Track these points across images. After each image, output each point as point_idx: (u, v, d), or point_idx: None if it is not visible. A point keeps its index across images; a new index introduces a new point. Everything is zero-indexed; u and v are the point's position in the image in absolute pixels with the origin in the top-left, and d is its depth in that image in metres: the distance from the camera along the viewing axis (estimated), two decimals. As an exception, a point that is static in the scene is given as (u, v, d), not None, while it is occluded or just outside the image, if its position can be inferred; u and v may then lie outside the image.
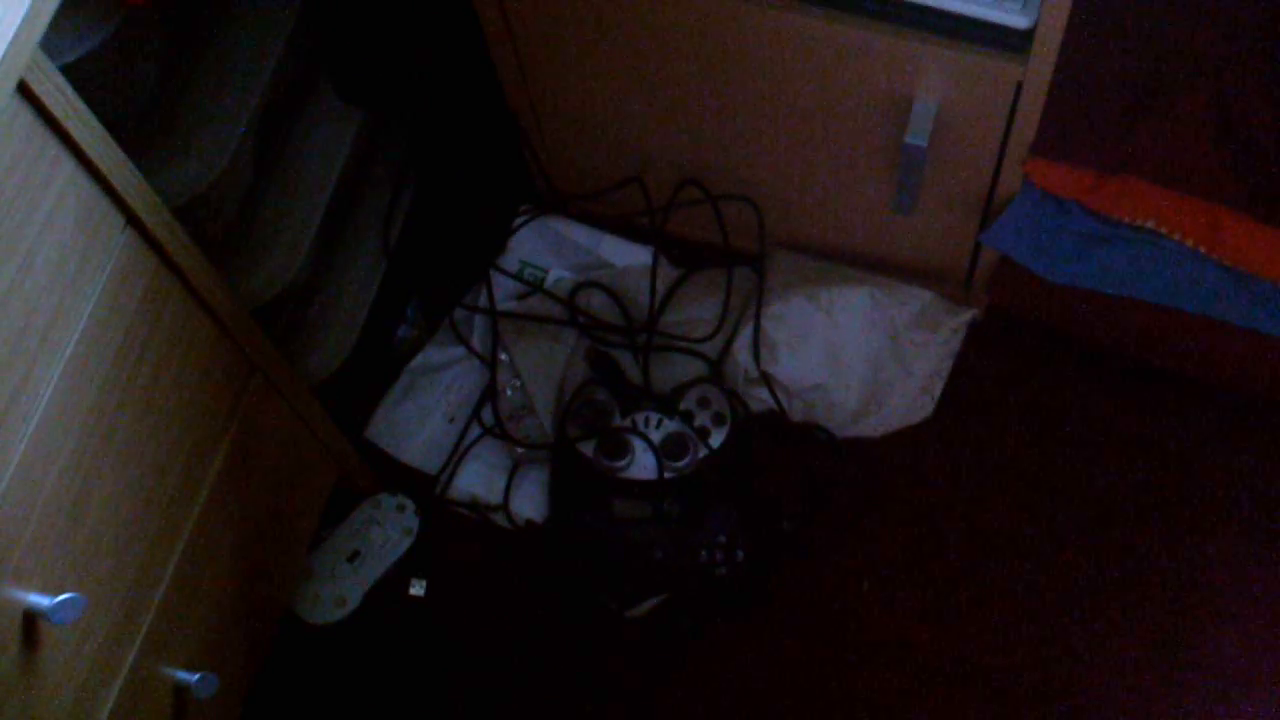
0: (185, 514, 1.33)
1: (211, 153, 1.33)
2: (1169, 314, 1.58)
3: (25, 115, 0.99)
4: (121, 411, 1.18)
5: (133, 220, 1.13)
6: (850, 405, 1.75)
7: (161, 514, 1.28)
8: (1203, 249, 1.50)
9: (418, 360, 1.84)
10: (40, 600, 1.09)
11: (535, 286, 1.83)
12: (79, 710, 1.20)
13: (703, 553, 1.67)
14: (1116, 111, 1.47)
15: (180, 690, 1.37)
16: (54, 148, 1.02)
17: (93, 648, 1.21)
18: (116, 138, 1.09)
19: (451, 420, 1.81)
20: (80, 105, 1.03)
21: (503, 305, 1.82)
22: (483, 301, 1.83)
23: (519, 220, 1.87)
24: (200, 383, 1.30)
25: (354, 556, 1.73)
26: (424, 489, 1.78)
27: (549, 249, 1.86)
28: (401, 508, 1.76)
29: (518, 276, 1.84)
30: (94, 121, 1.05)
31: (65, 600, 1.09)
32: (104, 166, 1.07)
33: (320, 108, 1.56)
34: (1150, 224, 1.50)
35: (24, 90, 0.97)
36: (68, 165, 1.04)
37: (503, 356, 1.79)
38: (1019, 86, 1.39)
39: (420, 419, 1.81)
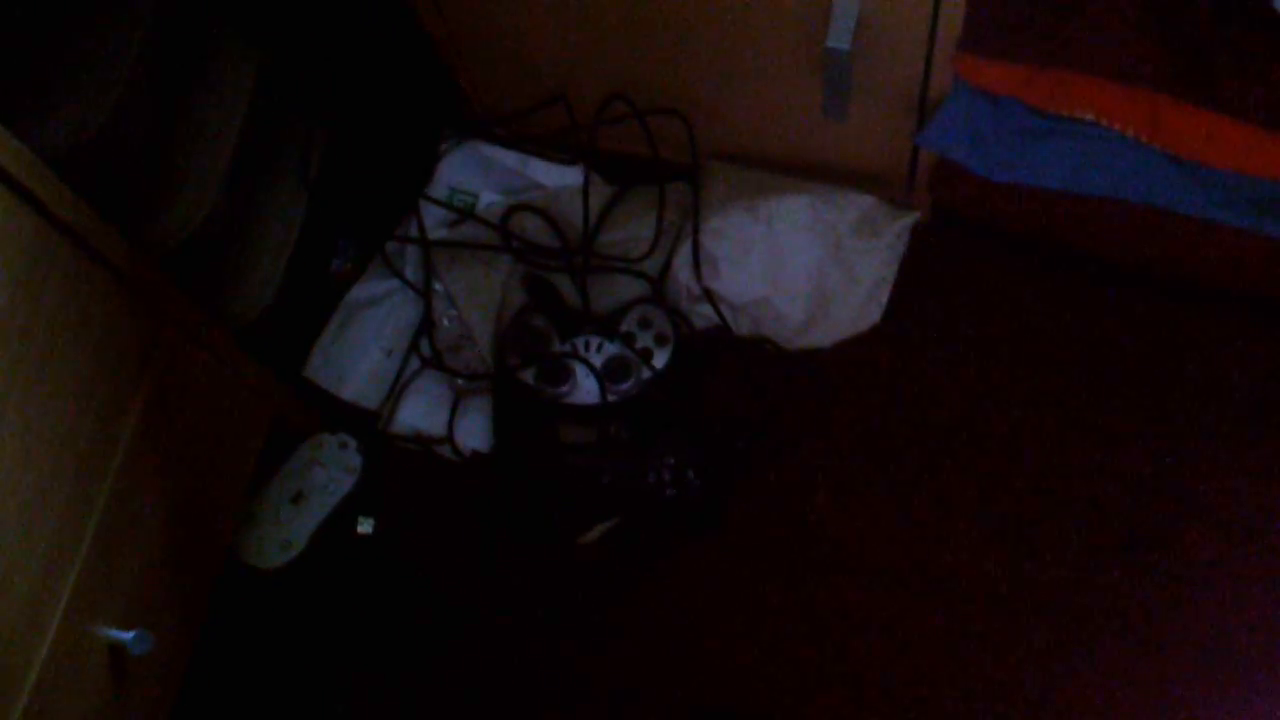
0: (101, 472, 1.30)
1: (95, 98, 1.27)
2: (1113, 205, 1.54)
3: None
4: (14, 379, 1.14)
5: (4, 178, 1.09)
6: (797, 316, 1.71)
7: (74, 475, 1.25)
8: (1143, 137, 1.46)
9: (353, 294, 1.80)
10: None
11: (465, 213, 1.79)
12: (2, 679, 1.18)
13: (651, 475, 1.64)
14: (1047, 3, 1.41)
15: (116, 649, 1.35)
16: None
17: (9, 619, 1.18)
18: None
19: (390, 354, 1.77)
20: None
21: (434, 234, 1.78)
22: (414, 231, 1.78)
23: (444, 146, 1.82)
24: (104, 340, 1.26)
25: (297, 498, 1.70)
26: (366, 425, 1.75)
27: (477, 174, 1.81)
28: (344, 445, 1.73)
29: (447, 204, 1.80)
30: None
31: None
32: (-41, 124, 1.02)
33: (223, 41, 1.50)
34: (1089, 115, 1.47)
35: None
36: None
37: (437, 287, 1.75)
38: (938, -19, 1.34)
39: (358, 354, 1.78)
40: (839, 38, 1.39)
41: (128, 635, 1.33)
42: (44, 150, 1.14)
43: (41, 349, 1.17)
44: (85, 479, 1.27)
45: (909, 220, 1.72)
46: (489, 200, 1.80)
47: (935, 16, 1.40)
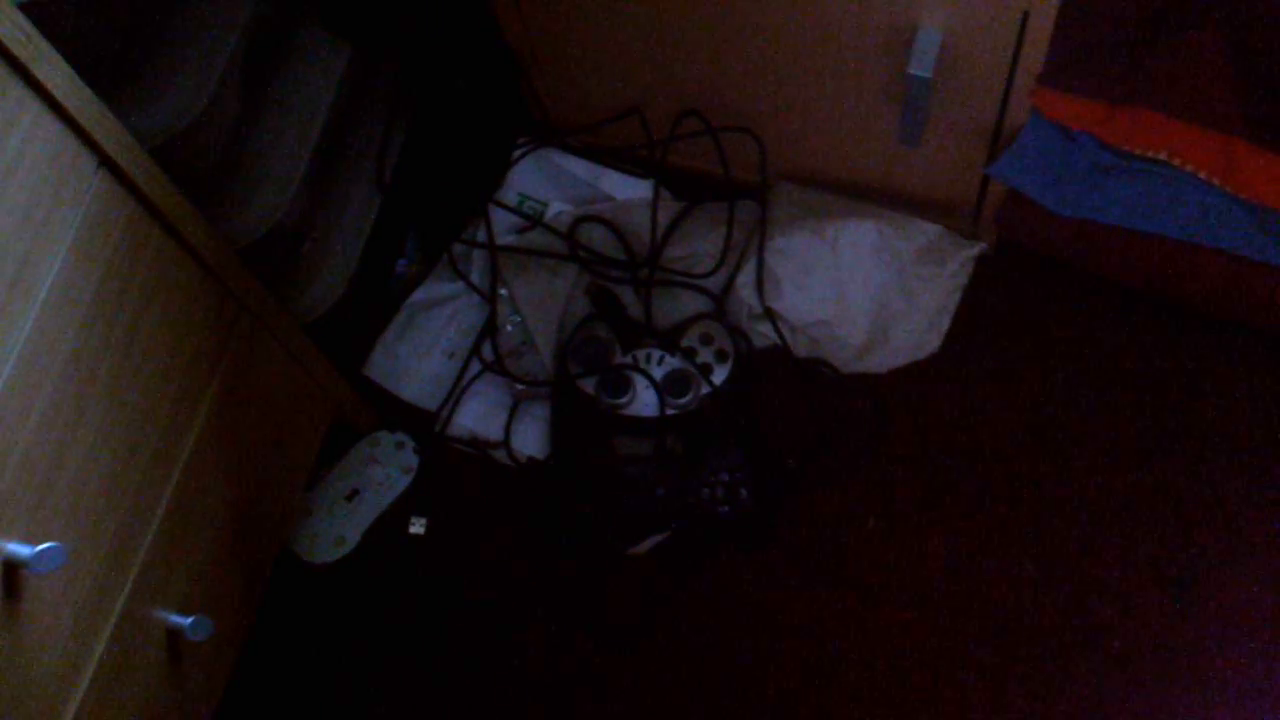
0: (174, 457, 1.31)
1: (191, 91, 1.29)
2: (1180, 247, 1.55)
3: (-15, 56, 0.96)
4: (102, 356, 1.16)
5: (106, 162, 1.11)
6: (856, 341, 1.72)
7: (148, 458, 1.26)
8: (1215, 181, 1.47)
9: (416, 295, 1.82)
10: (20, 550, 1.08)
11: (534, 220, 1.80)
12: (67, 658, 1.19)
13: (705, 491, 1.65)
14: (1128, 42, 1.42)
15: (174, 634, 1.36)
16: (17, 89, 0.99)
17: (79, 595, 1.19)
18: (89, 78, 1.06)
19: (451, 356, 1.78)
20: (44, 45, 1.00)
21: (502, 239, 1.79)
22: (481, 236, 1.80)
23: (517, 153, 1.83)
24: (185, 325, 1.28)
25: (353, 495, 1.71)
26: (423, 426, 1.76)
27: (548, 182, 1.82)
28: (401, 445, 1.74)
29: (516, 210, 1.81)
30: (60, 61, 1.02)
31: (46, 550, 1.07)
32: (72, 107, 1.04)
33: (308, 41, 1.52)
34: (1162, 155, 1.47)
35: (-18, 32, 0.94)
36: (33, 107, 1.01)
37: (502, 292, 1.77)
38: (1025, 15, 1.35)
39: (419, 355, 1.79)
40: (921, 65, 1.40)
41: (187, 621, 1.34)
42: (143, 137, 1.16)
43: (128, 329, 1.18)
44: (159, 462, 1.28)
45: (974, 251, 1.72)
46: (558, 209, 1.81)
47: (1018, 49, 1.40)
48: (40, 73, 1.00)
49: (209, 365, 1.34)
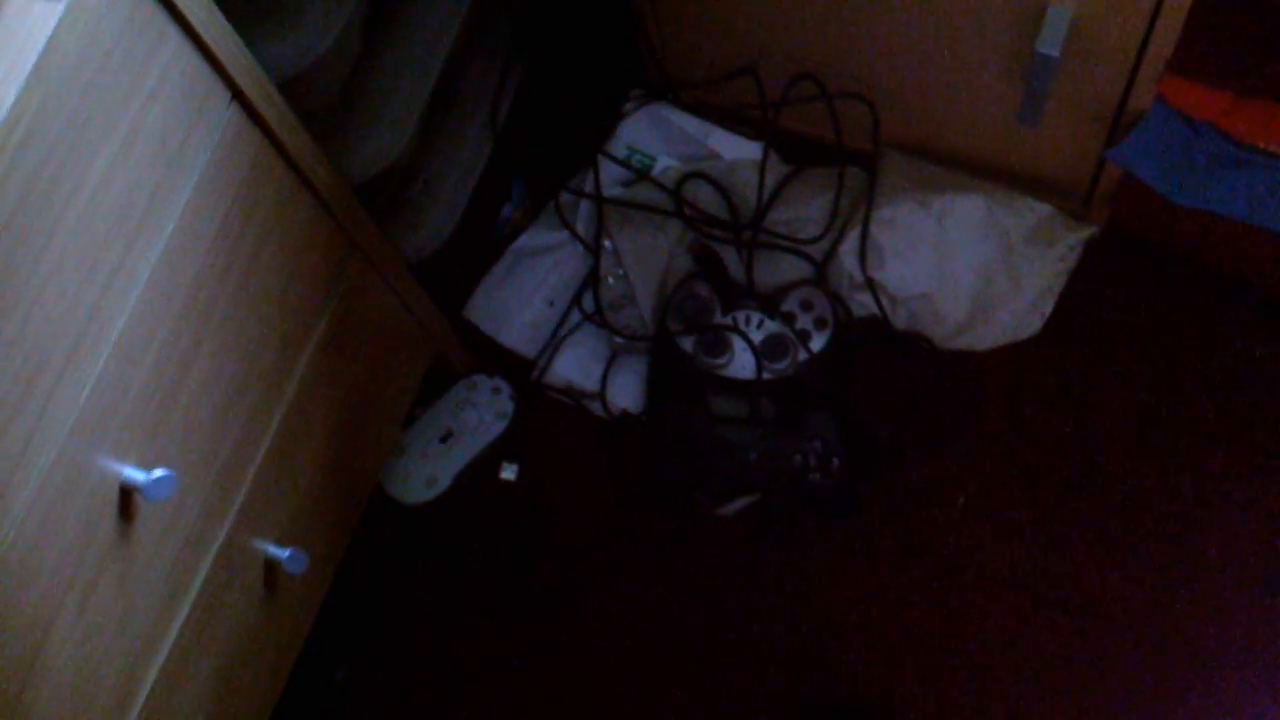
0: (282, 390, 1.33)
1: (319, 28, 1.30)
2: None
3: (131, -16, 0.97)
4: (221, 288, 1.17)
5: (238, 95, 1.11)
6: (956, 316, 1.71)
7: (258, 390, 1.28)
8: (1340, 179, 1.44)
9: (521, 242, 1.82)
10: (136, 475, 1.10)
11: (642, 174, 1.80)
12: (172, 582, 1.22)
13: (797, 457, 1.65)
14: (1261, 34, 1.40)
15: (271, 565, 1.38)
16: (160, 19, 1.00)
17: (186, 521, 1.21)
18: (223, 9, 1.07)
19: (551, 305, 1.79)
20: (185, -29, 1.00)
21: (609, 191, 1.79)
22: (589, 187, 1.80)
23: (629, 105, 1.83)
24: (300, 260, 1.29)
25: (447, 436, 1.73)
26: (521, 373, 1.77)
27: (658, 137, 1.82)
28: (497, 390, 1.75)
29: (625, 163, 1.81)
30: (200, -10, 1.03)
31: (160, 478, 1.10)
32: (210, 40, 1.05)
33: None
34: (1287, 150, 1.45)
35: (130, -39, 0.95)
36: (174, 37, 1.02)
37: (606, 244, 1.77)
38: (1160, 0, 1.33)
39: (520, 302, 1.80)
40: (1050, 44, 1.38)
41: (285, 553, 1.36)
42: (272, 72, 1.17)
43: (248, 259, 1.20)
44: (270, 392, 1.30)
45: (1084, 234, 1.70)
46: (666, 164, 1.81)
47: (1149, 33, 1.38)
48: (182, 3, 1.01)
49: (320, 301, 1.35)
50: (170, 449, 1.16)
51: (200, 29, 1.04)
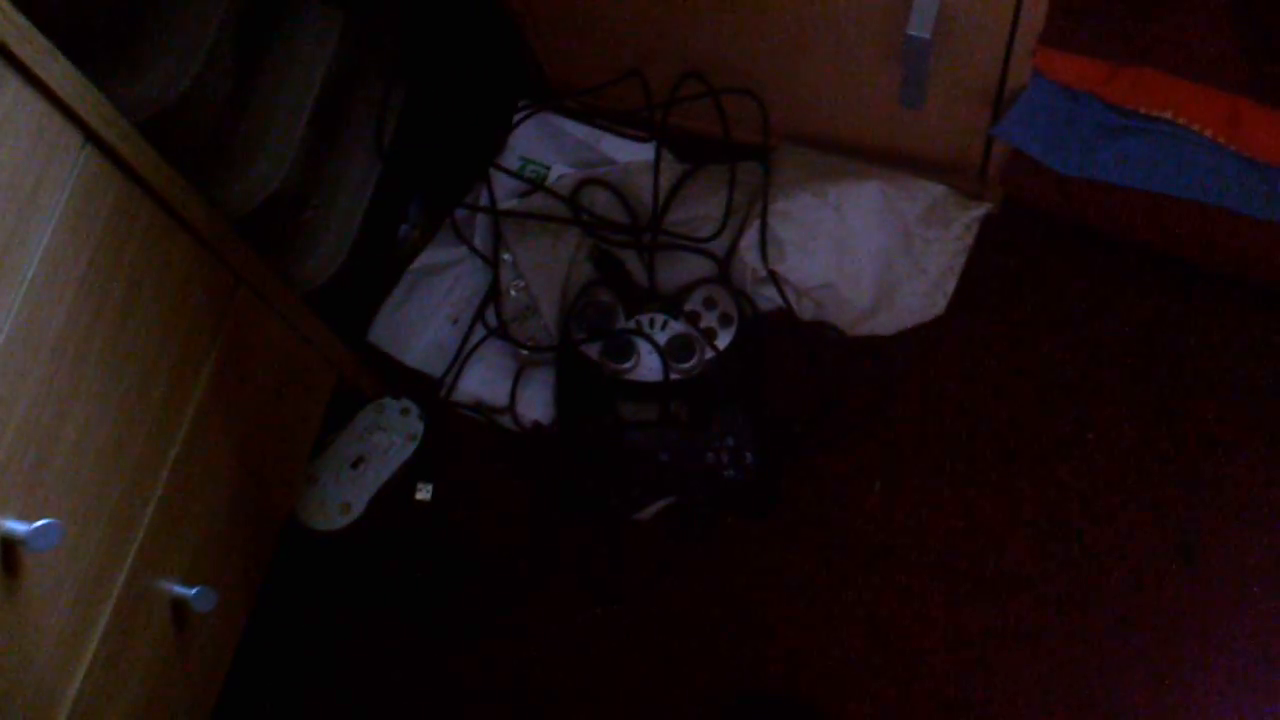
0: (173, 429, 1.31)
1: (180, 64, 1.28)
2: (1185, 206, 1.53)
3: (-42, 36, 0.95)
4: (94, 333, 1.16)
5: (92, 137, 1.10)
6: (861, 303, 1.71)
7: (148, 431, 1.27)
8: (1221, 140, 1.45)
9: (419, 261, 1.81)
10: (17, 527, 1.08)
11: (537, 184, 1.79)
12: (70, 632, 1.20)
13: (710, 455, 1.64)
14: (1131, 1, 1.40)
15: (179, 605, 1.36)
16: (-5, 67, 0.99)
17: (80, 569, 1.20)
18: (73, 53, 1.06)
19: (455, 322, 1.78)
20: (19, 19, 0.99)
21: (504, 204, 1.79)
22: (483, 200, 1.79)
23: (518, 116, 1.82)
24: (181, 298, 1.28)
25: (358, 462, 1.72)
26: (428, 392, 1.76)
27: (550, 146, 1.81)
28: (406, 411, 1.74)
29: (518, 174, 1.80)
30: (38, 36, 1.01)
31: (42, 526, 1.08)
32: (54, 83, 1.03)
33: (302, 7, 1.51)
34: (1167, 115, 1.45)
35: (-46, 10, 0.94)
36: (13, 83, 1.01)
37: (505, 256, 1.76)
38: (1025, -26, 1.33)
39: (423, 321, 1.79)
40: (920, 25, 1.38)
41: (191, 591, 1.35)
42: (130, 111, 1.15)
43: (122, 301, 1.18)
44: (159, 434, 1.28)
45: (979, 211, 1.71)
46: (560, 173, 1.80)
47: (1018, 9, 1.39)
48: (18, 49, 0.99)
49: (207, 337, 1.34)
50: (54, 497, 1.14)
51: (42, 74, 1.02)
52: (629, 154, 1.80)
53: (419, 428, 1.73)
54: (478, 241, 1.79)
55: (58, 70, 1.04)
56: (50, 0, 1.08)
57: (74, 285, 1.12)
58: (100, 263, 1.14)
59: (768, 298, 1.73)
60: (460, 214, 1.81)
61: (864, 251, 1.70)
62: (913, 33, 1.39)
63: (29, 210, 1.05)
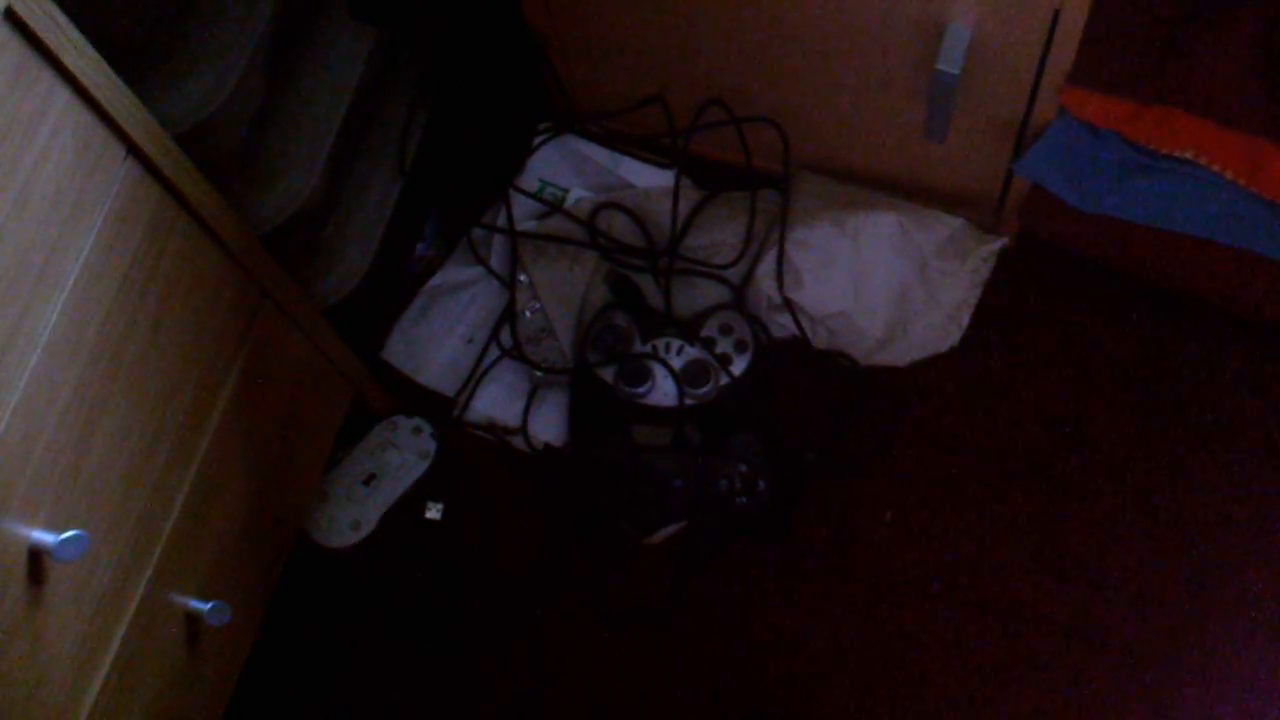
0: (195, 442, 1.31)
1: (217, 78, 1.29)
2: (1205, 246, 1.54)
3: (15, 44, 0.95)
4: (127, 344, 1.16)
5: (134, 150, 1.10)
6: (875, 333, 1.72)
7: (171, 443, 1.26)
8: (1242, 181, 1.46)
9: (435, 280, 1.81)
10: (45, 537, 1.08)
11: (555, 206, 1.80)
12: (88, 643, 1.20)
13: (723, 481, 1.64)
14: (1157, 41, 1.42)
15: (193, 619, 1.36)
16: (47, 78, 0.99)
17: (101, 581, 1.19)
18: (115, 65, 1.06)
19: (470, 341, 1.78)
20: (73, 32, 0.99)
21: (522, 225, 1.79)
22: (501, 221, 1.79)
23: (538, 139, 1.83)
24: (209, 311, 1.28)
25: (370, 479, 1.71)
26: (441, 411, 1.76)
27: (569, 169, 1.82)
28: (418, 430, 1.74)
29: (537, 196, 1.81)
30: (88, 49, 1.01)
31: (70, 538, 1.08)
32: (101, 96, 1.04)
33: (333, 26, 1.52)
34: (1189, 155, 1.46)
35: (11, 17, 0.94)
36: (63, 95, 1.01)
37: (522, 278, 1.76)
38: (1056, 13, 1.34)
39: (438, 340, 1.79)
40: (949, 61, 1.40)
41: (206, 606, 1.34)
42: (168, 124, 1.15)
43: (154, 313, 1.18)
44: (180, 447, 1.28)
45: (996, 245, 1.72)
46: (579, 196, 1.80)
47: (1048, 47, 1.40)
48: (70, 61, 0.99)
49: (231, 351, 1.34)
50: (80, 508, 1.14)
51: (90, 86, 1.02)
52: (648, 179, 1.80)
53: (431, 446, 1.73)
54: (494, 262, 1.79)
55: (105, 83, 1.04)
56: (96, 12, 1.08)
57: (110, 295, 1.12)
58: (136, 274, 1.14)
59: (783, 325, 1.73)
60: (478, 234, 1.81)
61: (880, 282, 1.71)
62: (942, 68, 1.40)
63: (72, 220, 1.05)
